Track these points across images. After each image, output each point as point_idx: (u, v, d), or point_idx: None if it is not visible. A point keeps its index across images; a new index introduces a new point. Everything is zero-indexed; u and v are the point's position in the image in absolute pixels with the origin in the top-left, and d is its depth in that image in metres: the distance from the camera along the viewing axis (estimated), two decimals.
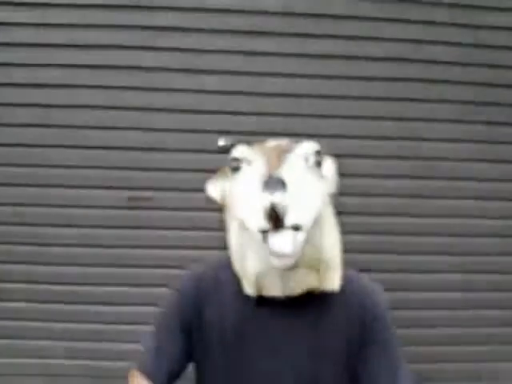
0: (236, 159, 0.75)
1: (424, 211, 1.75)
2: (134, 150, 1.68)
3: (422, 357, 1.75)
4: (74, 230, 1.69)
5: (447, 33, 1.71)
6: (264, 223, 0.64)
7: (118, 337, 1.69)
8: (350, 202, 1.67)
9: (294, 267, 0.72)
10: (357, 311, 0.84)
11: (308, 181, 0.71)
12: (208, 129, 1.67)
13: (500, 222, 1.78)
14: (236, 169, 0.75)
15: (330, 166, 0.80)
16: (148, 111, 1.68)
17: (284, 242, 0.65)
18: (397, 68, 1.71)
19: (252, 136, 1.65)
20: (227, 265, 0.84)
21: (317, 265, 0.76)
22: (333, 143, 1.69)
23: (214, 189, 0.85)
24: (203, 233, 1.67)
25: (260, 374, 0.83)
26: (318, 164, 0.74)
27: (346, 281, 0.84)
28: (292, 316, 0.82)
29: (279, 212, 0.62)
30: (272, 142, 0.76)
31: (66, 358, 1.72)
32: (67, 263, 1.70)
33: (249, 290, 0.79)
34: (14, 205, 1.69)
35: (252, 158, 0.73)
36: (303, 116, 1.69)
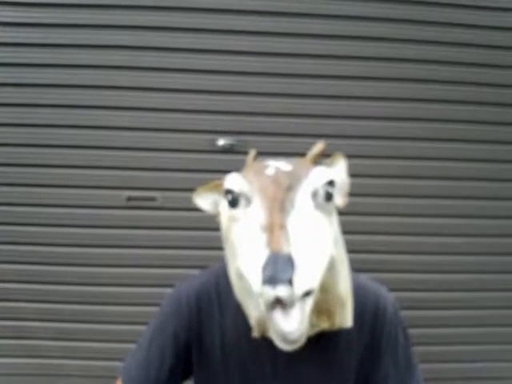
0: (231, 192, 0.63)
1: (424, 211, 1.75)
2: (134, 150, 1.68)
3: (423, 356, 1.75)
4: (75, 230, 1.69)
5: (448, 33, 1.71)
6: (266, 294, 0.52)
7: (118, 337, 1.69)
8: (349, 201, 1.67)
9: None
10: (368, 321, 0.79)
11: (317, 227, 0.59)
12: (207, 129, 1.67)
13: (500, 222, 1.77)
14: (232, 203, 0.63)
15: (342, 168, 0.72)
16: (147, 111, 1.67)
17: (290, 322, 0.53)
18: (398, 68, 1.71)
19: (252, 136, 1.65)
20: (228, 274, 0.74)
21: (329, 307, 0.68)
22: (333, 143, 1.69)
23: (205, 201, 0.76)
24: (203, 233, 1.67)
25: None
26: (329, 197, 0.62)
27: (357, 288, 0.77)
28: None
29: (286, 302, 0.52)
30: (272, 169, 0.63)
31: (65, 357, 1.72)
32: (67, 263, 1.70)
33: (252, 328, 0.70)
34: (14, 205, 1.69)
35: (250, 194, 0.61)
36: (304, 116, 1.69)
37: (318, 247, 0.58)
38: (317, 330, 0.69)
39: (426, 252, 1.75)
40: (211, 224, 1.64)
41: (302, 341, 0.56)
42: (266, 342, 0.70)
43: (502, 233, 1.78)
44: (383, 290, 0.84)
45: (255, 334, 0.71)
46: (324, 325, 0.69)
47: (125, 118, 1.67)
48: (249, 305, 0.69)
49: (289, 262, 0.52)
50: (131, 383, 0.78)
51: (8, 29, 1.62)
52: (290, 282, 0.51)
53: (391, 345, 0.80)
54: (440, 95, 1.73)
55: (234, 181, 0.63)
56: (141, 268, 1.70)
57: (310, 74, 1.69)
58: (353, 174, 1.88)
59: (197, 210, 1.83)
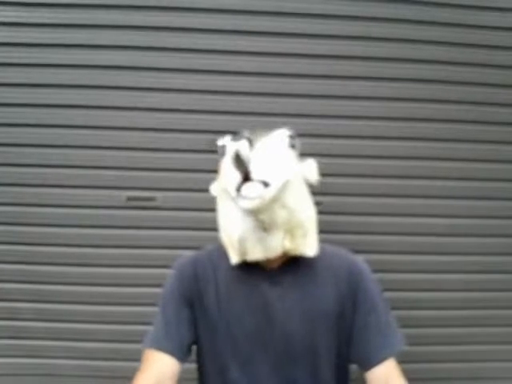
0: (223, 146, 0.91)
1: (424, 211, 1.75)
2: (134, 150, 1.68)
3: (422, 356, 1.75)
4: (74, 230, 1.69)
5: (447, 33, 1.71)
6: (236, 176, 0.76)
7: (118, 337, 1.69)
8: (350, 201, 1.68)
9: (270, 230, 0.81)
10: (344, 278, 0.94)
11: (280, 152, 0.83)
12: (207, 129, 1.67)
13: (499, 222, 1.77)
14: (223, 154, 0.90)
15: (312, 164, 0.92)
16: (147, 111, 1.67)
17: (251, 188, 0.75)
18: (398, 68, 1.71)
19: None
20: (219, 248, 0.98)
21: (292, 228, 0.84)
22: (333, 143, 1.69)
23: (213, 188, 0.95)
24: (203, 233, 1.67)
25: (258, 343, 0.90)
26: (292, 146, 0.88)
27: (331, 253, 0.98)
28: (283, 285, 0.92)
29: (243, 158, 0.72)
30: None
31: (65, 358, 1.72)
32: (67, 263, 1.70)
33: (234, 257, 0.87)
34: (14, 205, 1.69)
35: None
36: (304, 116, 1.69)
37: (277, 160, 0.80)
38: (282, 248, 0.85)
39: (426, 252, 1.75)
40: (211, 224, 1.64)
41: (260, 203, 0.76)
42: (253, 293, 0.90)
43: (502, 233, 1.78)
44: (354, 255, 1.00)
45: (238, 259, 0.87)
46: (287, 245, 0.85)
47: (125, 118, 1.67)
48: (232, 226, 0.84)
49: (249, 139, 0.79)
50: (159, 346, 0.90)
51: (8, 29, 1.62)
52: (248, 144, 0.77)
53: (368, 298, 0.93)
54: (440, 95, 1.73)
55: (224, 139, 0.93)
56: (141, 268, 1.70)
57: (310, 74, 1.69)
58: (353, 174, 1.88)
59: (197, 210, 1.83)
